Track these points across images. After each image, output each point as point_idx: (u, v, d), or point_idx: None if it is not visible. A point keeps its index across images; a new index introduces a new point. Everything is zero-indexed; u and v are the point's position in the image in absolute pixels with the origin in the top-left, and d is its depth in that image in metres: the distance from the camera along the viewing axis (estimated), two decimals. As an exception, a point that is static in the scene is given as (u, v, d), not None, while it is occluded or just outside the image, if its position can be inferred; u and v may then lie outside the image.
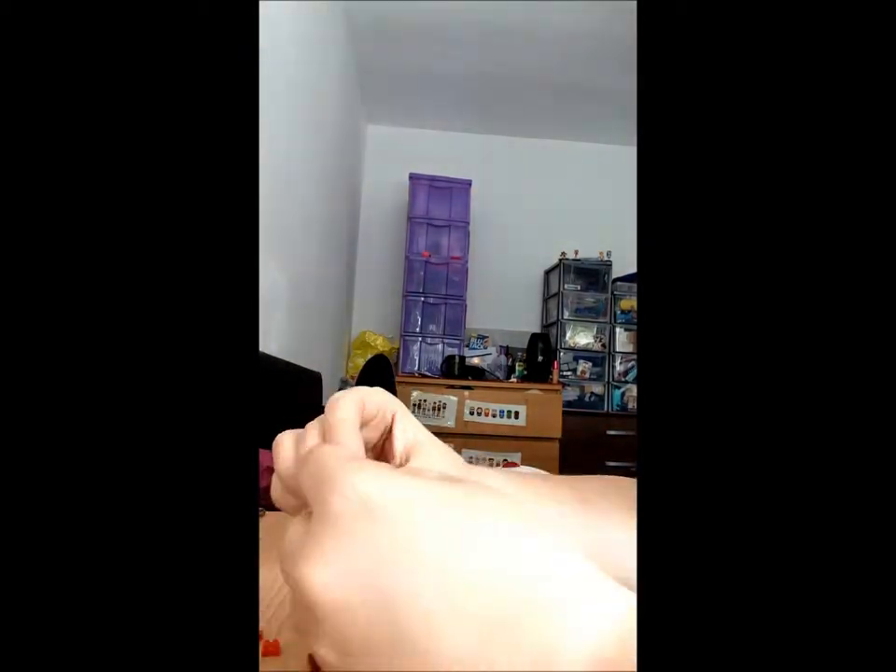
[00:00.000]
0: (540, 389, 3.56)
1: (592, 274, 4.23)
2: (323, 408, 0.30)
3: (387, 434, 0.32)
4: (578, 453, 3.57)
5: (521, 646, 0.18)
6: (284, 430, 0.29)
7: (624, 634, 0.18)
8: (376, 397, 0.31)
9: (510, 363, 4.19)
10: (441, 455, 0.33)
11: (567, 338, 4.13)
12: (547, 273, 4.47)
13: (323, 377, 2.53)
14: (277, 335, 2.21)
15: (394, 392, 1.95)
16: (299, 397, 2.15)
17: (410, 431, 0.32)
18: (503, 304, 4.45)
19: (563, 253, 4.21)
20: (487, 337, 4.35)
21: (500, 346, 4.31)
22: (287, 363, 2.08)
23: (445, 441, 0.34)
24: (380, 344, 4.01)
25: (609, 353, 4.13)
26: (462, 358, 3.75)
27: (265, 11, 1.60)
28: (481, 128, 4.48)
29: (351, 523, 0.20)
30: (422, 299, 3.92)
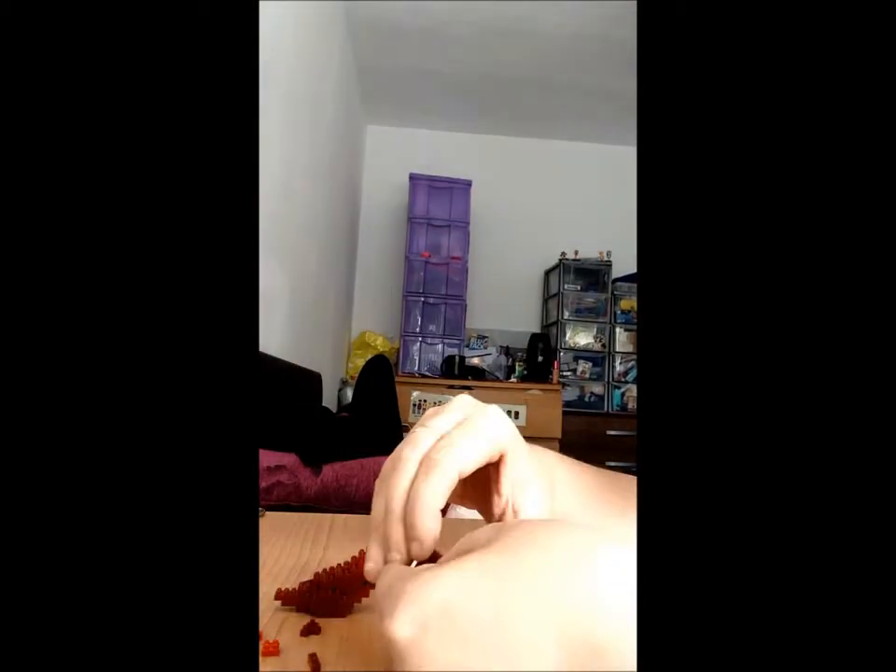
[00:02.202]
0: (540, 389, 3.56)
1: (592, 275, 4.23)
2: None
3: (495, 465, 0.33)
4: (578, 453, 3.54)
5: None
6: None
7: None
8: (488, 438, 0.32)
9: (510, 363, 4.19)
10: (543, 493, 0.35)
11: (566, 338, 4.13)
12: (547, 273, 4.47)
13: (323, 377, 2.53)
14: (277, 335, 2.21)
15: (393, 393, 1.95)
16: (299, 397, 2.15)
17: (518, 472, 0.34)
18: (503, 304, 4.45)
19: (563, 253, 4.21)
20: (487, 337, 4.35)
21: (500, 346, 4.31)
22: (287, 363, 2.08)
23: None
24: (380, 345, 4.01)
25: (609, 353, 4.13)
26: (462, 359, 3.75)
27: (265, 11, 1.60)
28: (481, 128, 4.48)
29: (407, 648, 0.23)
30: (422, 299, 3.92)
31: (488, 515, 0.35)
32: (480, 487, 0.36)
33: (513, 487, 0.34)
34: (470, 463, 0.31)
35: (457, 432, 0.32)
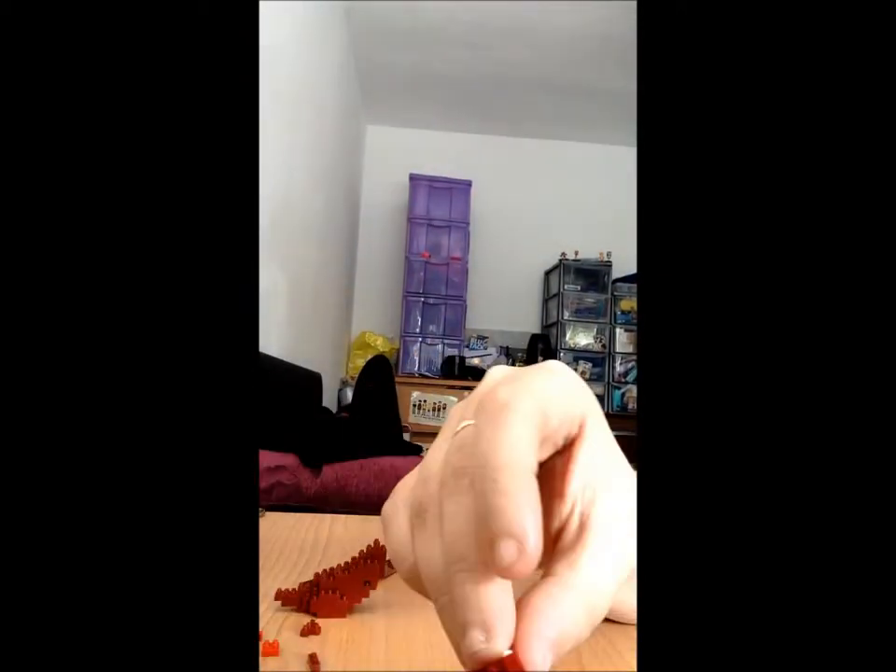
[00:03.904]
0: (540, 390, 3.55)
1: (592, 275, 4.23)
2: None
3: (566, 448, 0.22)
4: (578, 453, 3.56)
5: None
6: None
7: None
8: (559, 406, 0.21)
9: (510, 364, 4.20)
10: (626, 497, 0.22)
11: (567, 338, 4.13)
12: (547, 273, 4.47)
13: (323, 377, 2.53)
14: (277, 335, 2.21)
15: (393, 394, 1.95)
16: (299, 397, 2.15)
17: (597, 459, 0.22)
18: (503, 305, 4.45)
19: (563, 254, 4.21)
20: (487, 337, 4.36)
21: (500, 347, 4.31)
22: (287, 363, 2.08)
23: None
24: (380, 345, 4.01)
25: (609, 354, 4.13)
26: (462, 359, 3.75)
27: (265, 11, 1.60)
28: (481, 128, 4.48)
29: None
30: (422, 299, 3.92)
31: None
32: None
33: (585, 485, 0.21)
34: (555, 412, 0.21)
35: (519, 385, 0.21)
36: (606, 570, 0.20)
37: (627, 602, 0.24)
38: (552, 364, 0.23)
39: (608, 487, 0.21)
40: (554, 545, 0.21)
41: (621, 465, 0.23)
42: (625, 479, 0.23)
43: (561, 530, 0.21)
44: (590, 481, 0.21)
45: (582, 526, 0.21)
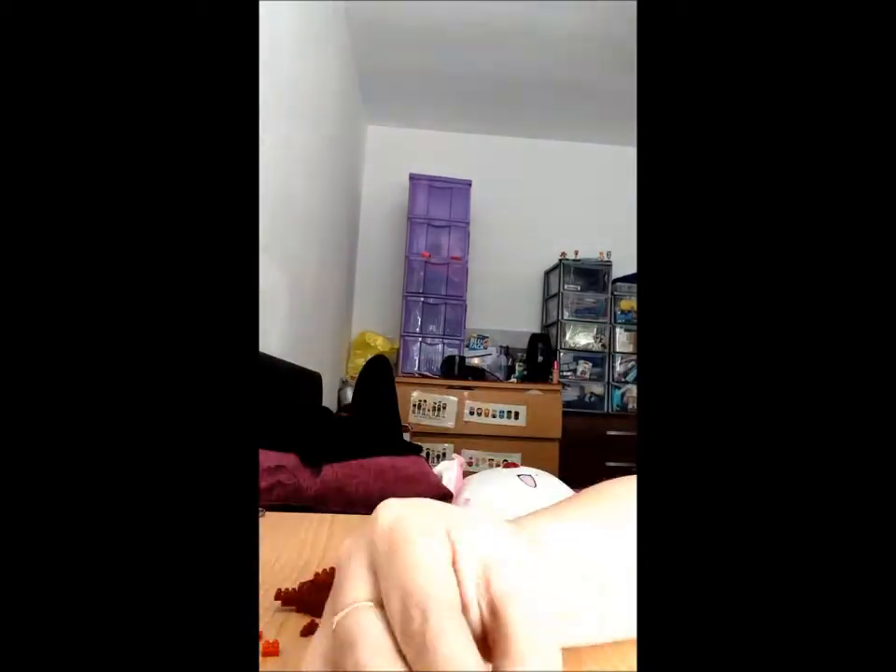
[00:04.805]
0: (540, 390, 3.56)
1: (592, 275, 4.23)
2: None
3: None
4: (578, 453, 3.57)
5: None
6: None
7: None
8: (439, 566, 0.22)
9: (509, 363, 4.19)
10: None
11: (566, 338, 4.13)
12: (547, 273, 4.47)
13: (323, 377, 2.53)
14: (277, 335, 2.21)
15: (394, 393, 1.94)
16: (299, 397, 2.15)
17: (473, 557, 0.22)
18: (503, 305, 4.45)
19: (563, 253, 4.21)
20: (487, 337, 4.35)
21: (500, 347, 4.30)
22: (287, 363, 2.08)
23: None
24: (380, 345, 4.01)
25: (610, 353, 4.13)
26: (462, 359, 3.75)
27: (265, 11, 1.60)
28: (481, 128, 4.48)
29: None
30: (422, 299, 3.92)
31: None
32: None
33: (476, 579, 0.22)
34: (445, 573, 0.22)
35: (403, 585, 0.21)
36: (538, 642, 0.20)
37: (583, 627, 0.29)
38: (390, 523, 0.25)
39: (497, 563, 0.22)
40: (484, 635, 0.22)
41: (506, 526, 0.24)
42: (512, 541, 0.23)
43: (484, 625, 0.22)
44: (476, 569, 0.22)
45: (493, 614, 0.21)
